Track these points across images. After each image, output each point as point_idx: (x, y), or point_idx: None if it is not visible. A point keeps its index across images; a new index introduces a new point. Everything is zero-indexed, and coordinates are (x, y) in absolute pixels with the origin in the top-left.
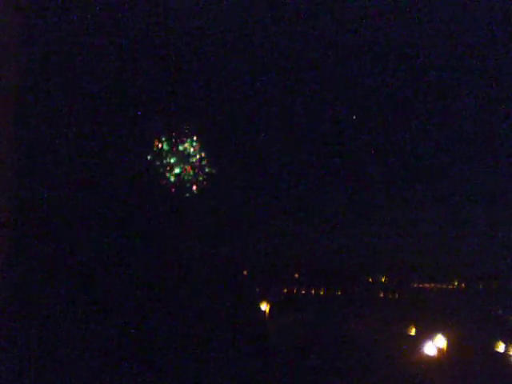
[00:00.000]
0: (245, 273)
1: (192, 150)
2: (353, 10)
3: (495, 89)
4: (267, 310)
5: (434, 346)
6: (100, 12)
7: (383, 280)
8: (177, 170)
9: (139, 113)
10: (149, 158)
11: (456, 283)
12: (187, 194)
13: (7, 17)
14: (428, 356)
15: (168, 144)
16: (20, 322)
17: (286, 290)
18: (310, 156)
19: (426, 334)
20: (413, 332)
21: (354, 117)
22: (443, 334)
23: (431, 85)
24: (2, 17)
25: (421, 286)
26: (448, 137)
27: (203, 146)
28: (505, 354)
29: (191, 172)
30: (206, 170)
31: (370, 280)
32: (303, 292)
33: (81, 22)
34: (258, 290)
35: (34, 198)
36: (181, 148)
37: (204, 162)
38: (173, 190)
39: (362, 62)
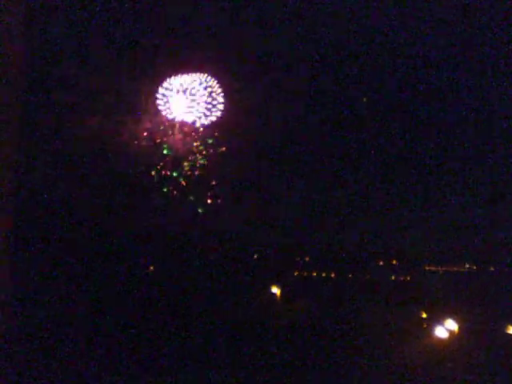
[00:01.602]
0: (255, 256)
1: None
2: (354, 11)
3: (495, 89)
4: (278, 293)
5: (445, 328)
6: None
7: (394, 263)
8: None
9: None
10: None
11: (467, 266)
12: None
13: (9, 17)
14: (439, 338)
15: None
16: (20, 322)
17: (296, 273)
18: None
19: (437, 316)
20: (424, 315)
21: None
22: (454, 316)
23: (434, 86)
24: (4, 18)
25: (432, 268)
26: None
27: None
28: None
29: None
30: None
31: (382, 263)
32: (314, 275)
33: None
34: (269, 273)
35: (34, 197)
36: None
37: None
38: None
39: (362, 62)
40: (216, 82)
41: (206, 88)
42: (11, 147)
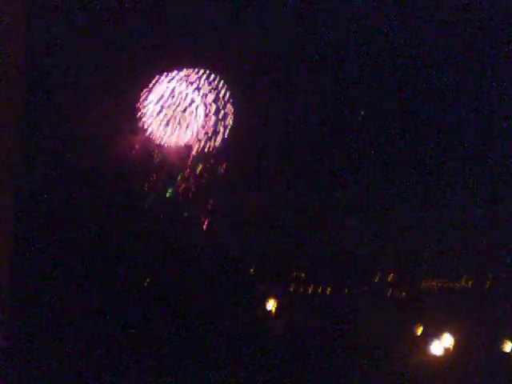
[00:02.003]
0: (251, 271)
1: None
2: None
3: (495, 89)
4: (273, 309)
5: (441, 345)
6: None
7: (391, 279)
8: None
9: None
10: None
11: (463, 281)
12: (191, 192)
13: (10, 18)
14: (435, 355)
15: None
16: (20, 321)
17: (292, 289)
18: (315, 155)
19: (433, 332)
20: (420, 331)
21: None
22: (450, 333)
23: (434, 86)
24: (4, 17)
25: (428, 284)
26: (449, 137)
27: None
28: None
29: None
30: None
31: (378, 279)
32: (310, 290)
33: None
34: (264, 288)
35: (35, 197)
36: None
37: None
38: (175, 188)
39: (362, 62)
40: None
41: (206, 94)
42: (11, 147)
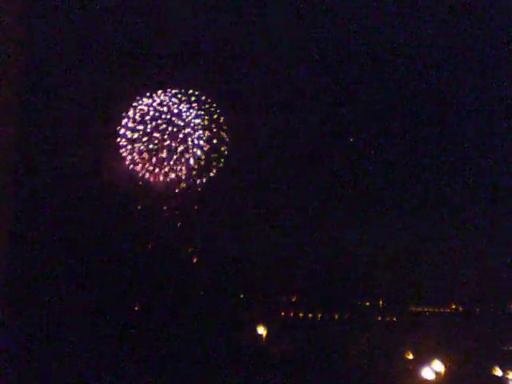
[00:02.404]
0: (241, 296)
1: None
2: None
3: (495, 89)
4: (264, 334)
5: (432, 369)
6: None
7: (381, 304)
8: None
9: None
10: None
11: (453, 307)
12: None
13: (9, 17)
14: (425, 380)
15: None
16: (19, 321)
17: (283, 314)
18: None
19: (423, 357)
20: (410, 356)
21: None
22: (440, 357)
23: (434, 86)
24: (4, 18)
25: (419, 309)
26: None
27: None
28: (502, 379)
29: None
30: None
31: (368, 304)
32: (301, 316)
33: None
34: (255, 313)
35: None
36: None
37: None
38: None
39: (362, 62)
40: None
41: (197, 117)
42: (10, 148)
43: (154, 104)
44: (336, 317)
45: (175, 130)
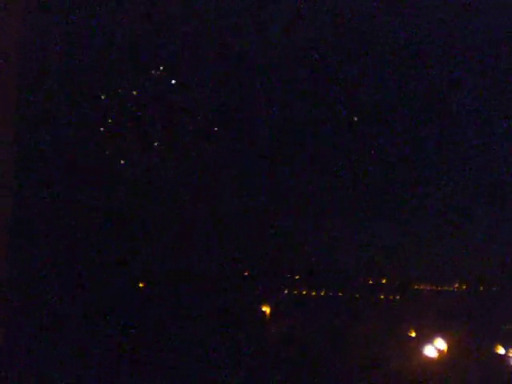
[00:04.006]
0: (246, 274)
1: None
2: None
3: (495, 89)
4: (268, 312)
5: (435, 347)
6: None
7: (384, 282)
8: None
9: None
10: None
11: (457, 285)
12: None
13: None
14: (428, 358)
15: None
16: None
17: (286, 292)
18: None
19: (426, 335)
20: (413, 334)
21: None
22: (443, 336)
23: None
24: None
25: (422, 287)
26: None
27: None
28: (505, 357)
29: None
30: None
31: (371, 282)
32: (304, 293)
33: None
34: (258, 291)
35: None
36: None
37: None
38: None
39: (362, 61)
40: None
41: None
42: (6, 145)
43: None
44: (340, 294)
45: None
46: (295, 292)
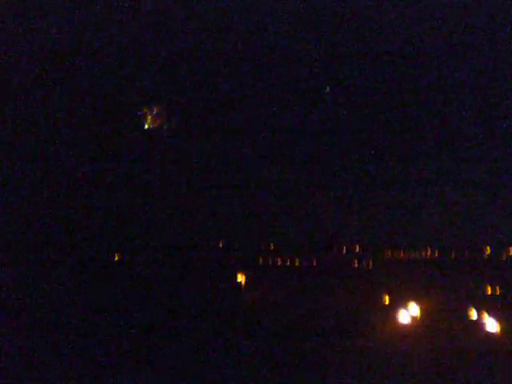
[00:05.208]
0: (220, 245)
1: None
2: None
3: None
4: (243, 282)
5: (408, 314)
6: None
7: (357, 250)
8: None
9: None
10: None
11: (429, 252)
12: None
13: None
14: (402, 324)
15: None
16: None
17: (261, 261)
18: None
19: (399, 303)
20: (387, 301)
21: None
22: (416, 302)
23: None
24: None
25: (394, 255)
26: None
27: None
28: (477, 321)
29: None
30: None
31: (345, 250)
32: (279, 262)
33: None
34: (233, 261)
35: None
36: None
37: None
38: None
39: (361, 61)
40: None
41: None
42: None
43: None
44: (314, 263)
45: None
46: (270, 261)
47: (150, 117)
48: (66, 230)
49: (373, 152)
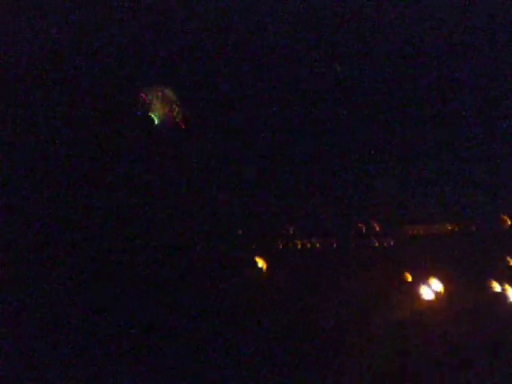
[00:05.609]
0: (240, 232)
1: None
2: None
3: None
4: (264, 266)
5: (431, 289)
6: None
7: (377, 228)
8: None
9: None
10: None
11: (449, 226)
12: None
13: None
14: (426, 300)
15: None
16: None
17: (281, 245)
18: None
19: (422, 278)
20: (409, 278)
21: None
22: (439, 277)
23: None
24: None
25: (415, 231)
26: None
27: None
28: (500, 294)
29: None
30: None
31: (365, 229)
32: (299, 245)
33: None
34: (253, 246)
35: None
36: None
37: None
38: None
39: (361, 61)
40: None
41: None
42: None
43: None
44: (334, 245)
45: None
46: (290, 245)
47: (155, 111)
48: (66, 229)
49: (395, 130)
